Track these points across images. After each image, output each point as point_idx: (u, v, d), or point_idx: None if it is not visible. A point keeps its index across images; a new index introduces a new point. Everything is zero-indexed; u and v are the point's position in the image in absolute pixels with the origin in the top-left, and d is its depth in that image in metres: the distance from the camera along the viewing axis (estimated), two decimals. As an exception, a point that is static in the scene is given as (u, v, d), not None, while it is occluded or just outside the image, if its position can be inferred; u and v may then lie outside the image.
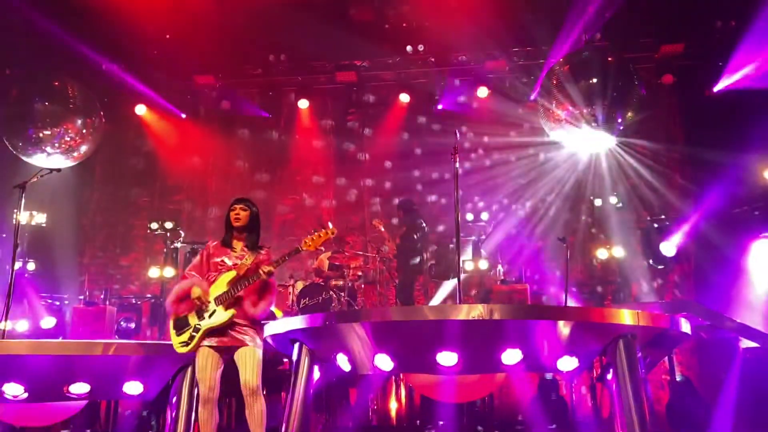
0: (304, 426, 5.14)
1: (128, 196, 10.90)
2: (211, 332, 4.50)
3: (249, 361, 4.45)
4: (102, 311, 7.93)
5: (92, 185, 10.92)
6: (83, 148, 9.39)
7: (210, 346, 4.50)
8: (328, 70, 10.51)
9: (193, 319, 4.54)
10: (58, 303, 9.14)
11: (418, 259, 8.55)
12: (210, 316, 4.49)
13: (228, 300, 4.50)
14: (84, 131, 9.28)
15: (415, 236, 8.62)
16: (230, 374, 4.62)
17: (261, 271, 4.51)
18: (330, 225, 4.81)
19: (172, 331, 4.60)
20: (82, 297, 9.37)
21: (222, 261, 4.65)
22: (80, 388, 5.14)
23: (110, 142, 10.34)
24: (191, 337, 4.49)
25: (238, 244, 4.74)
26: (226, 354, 4.56)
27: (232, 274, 4.57)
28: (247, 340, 4.51)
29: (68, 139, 9.15)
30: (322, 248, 8.65)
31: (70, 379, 5.11)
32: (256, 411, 4.41)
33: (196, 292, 4.51)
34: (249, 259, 4.60)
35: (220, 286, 4.57)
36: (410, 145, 10.50)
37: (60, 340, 7.30)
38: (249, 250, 4.70)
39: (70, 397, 5.19)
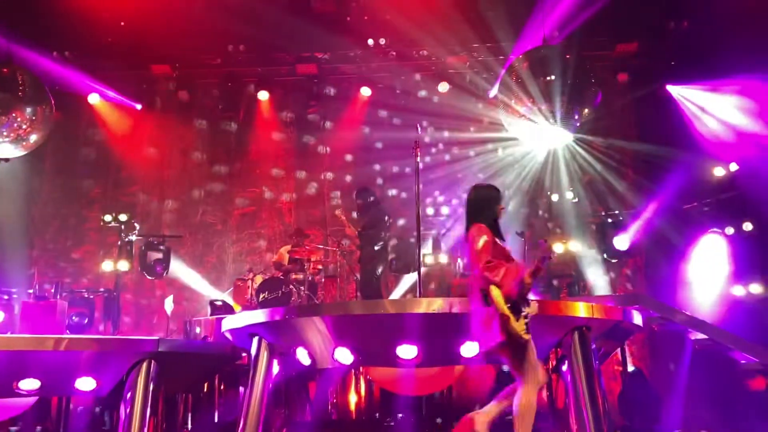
0: (263, 421, 5.12)
1: (80, 188, 10.60)
2: None
3: None
4: (53, 305, 7.70)
5: (42, 175, 10.57)
6: (33, 137, 9.04)
7: None
8: (288, 61, 10.39)
9: (524, 306, 4.35)
10: (6, 297, 8.83)
11: (380, 246, 8.25)
12: (528, 305, 4.38)
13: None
14: (34, 120, 8.96)
15: (376, 225, 8.38)
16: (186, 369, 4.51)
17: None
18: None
19: (512, 317, 4.26)
20: (31, 291, 9.07)
21: (510, 252, 4.54)
22: (30, 384, 5.00)
23: (62, 132, 10.02)
24: (527, 325, 4.30)
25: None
26: None
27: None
28: None
29: (17, 127, 8.82)
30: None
31: (20, 375, 4.96)
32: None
33: (533, 276, 4.32)
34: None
35: None
36: (371, 139, 10.49)
37: (9, 335, 7.06)
38: None
39: (20, 393, 5.05)
